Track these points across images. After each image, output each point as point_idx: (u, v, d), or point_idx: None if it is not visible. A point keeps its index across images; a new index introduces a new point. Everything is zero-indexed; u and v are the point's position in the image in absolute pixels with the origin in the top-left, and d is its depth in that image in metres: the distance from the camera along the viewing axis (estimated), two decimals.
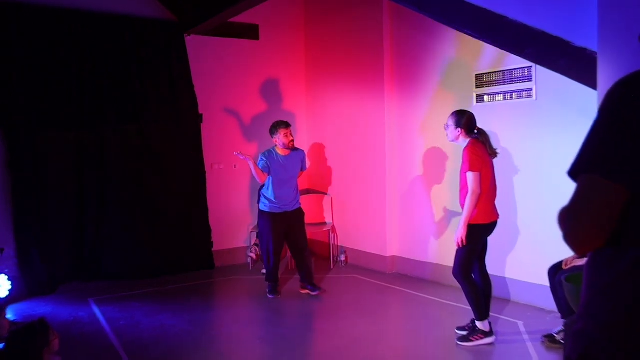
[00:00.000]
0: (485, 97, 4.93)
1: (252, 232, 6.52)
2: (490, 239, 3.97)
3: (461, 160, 3.75)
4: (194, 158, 6.24)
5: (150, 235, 5.95)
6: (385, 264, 6.03)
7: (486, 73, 4.91)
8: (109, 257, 5.77)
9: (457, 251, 3.79)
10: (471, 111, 3.94)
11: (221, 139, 6.48)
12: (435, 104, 5.46)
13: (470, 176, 3.60)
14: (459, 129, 3.75)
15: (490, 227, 3.80)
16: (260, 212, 5.16)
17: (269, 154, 5.03)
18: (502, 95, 4.83)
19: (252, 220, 6.63)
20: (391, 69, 5.83)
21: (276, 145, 5.06)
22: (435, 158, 5.45)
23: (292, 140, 5.05)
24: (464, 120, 3.76)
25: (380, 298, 5.26)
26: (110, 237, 5.78)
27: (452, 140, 3.83)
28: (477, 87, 4.98)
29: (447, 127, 3.82)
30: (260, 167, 4.96)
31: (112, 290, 5.54)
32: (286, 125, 5.02)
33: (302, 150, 5.26)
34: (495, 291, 4.58)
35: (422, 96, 5.60)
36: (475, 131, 3.80)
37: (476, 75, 4.98)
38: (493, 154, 3.79)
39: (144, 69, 5.91)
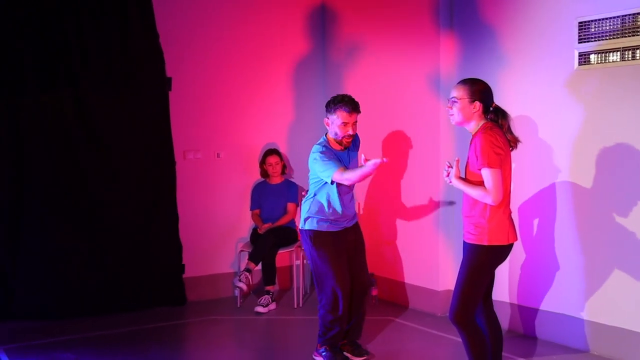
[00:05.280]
0: (593, 57, 4.60)
1: (242, 251, 6.18)
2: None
3: (467, 153, 3.66)
4: (159, 142, 5.93)
5: (89, 256, 5.69)
6: (436, 302, 5.67)
7: (595, 20, 4.51)
8: (27, 287, 5.51)
9: (458, 284, 3.66)
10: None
11: (199, 116, 6.21)
12: (512, 69, 5.11)
13: (488, 174, 3.53)
14: (477, 104, 3.61)
15: (507, 250, 3.76)
16: (312, 236, 4.51)
17: (327, 148, 4.43)
18: (619, 53, 4.40)
19: (242, 235, 6.43)
20: (449, 13, 5.44)
21: (327, 134, 4.41)
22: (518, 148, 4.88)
23: (351, 136, 4.40)
24: (483, 91, 3.64)
25: (433, 353, 4.86)
26: (29, 258, 5.50)
27: (460, 122, 3.71)
28: (582, 40, 4.61)
29: (454, 102, 3.69)
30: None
31: (30, 336, 5.24)
32: (352, 106, 4.31)
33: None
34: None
35: (489, 56, 5.26)
36: (491, 108, 3.68)
37: (580, 22, 4.59)
38: (514, 143, 3.71)
39: (82, 9, 5.45)
